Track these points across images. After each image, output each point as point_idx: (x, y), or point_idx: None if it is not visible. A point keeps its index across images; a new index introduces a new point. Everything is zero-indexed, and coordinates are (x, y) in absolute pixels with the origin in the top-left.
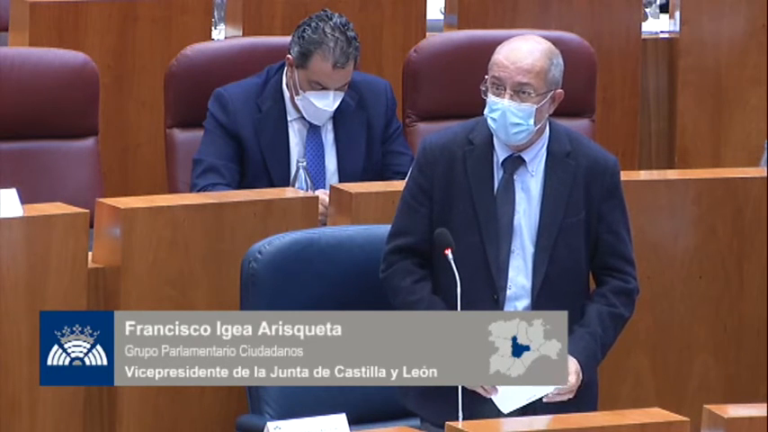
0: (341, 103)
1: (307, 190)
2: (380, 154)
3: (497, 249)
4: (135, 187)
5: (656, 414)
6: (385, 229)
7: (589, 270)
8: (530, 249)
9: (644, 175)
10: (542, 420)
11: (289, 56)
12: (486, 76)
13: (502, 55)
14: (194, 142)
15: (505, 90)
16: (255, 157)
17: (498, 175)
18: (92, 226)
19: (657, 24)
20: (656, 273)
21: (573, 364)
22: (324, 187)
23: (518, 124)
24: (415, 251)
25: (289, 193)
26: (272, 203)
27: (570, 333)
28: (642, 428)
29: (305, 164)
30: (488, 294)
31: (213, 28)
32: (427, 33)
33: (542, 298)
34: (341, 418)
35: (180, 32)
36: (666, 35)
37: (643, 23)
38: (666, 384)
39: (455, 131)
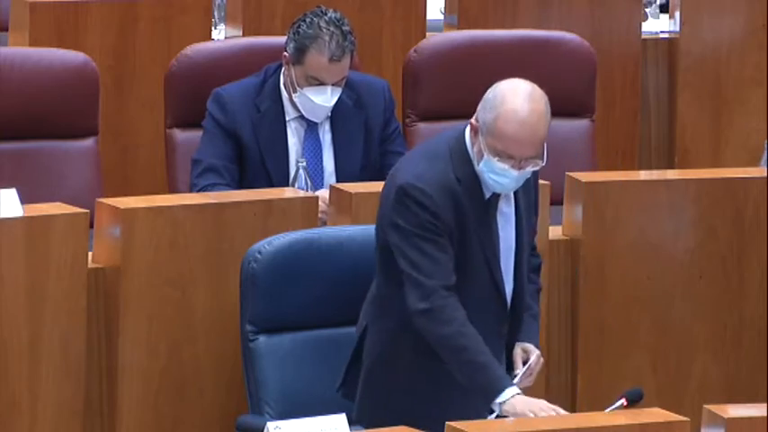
0: (338, 102)
1: (307, 190)
2: (378, 154)
3: (501, 273)
4: (135, 187)
5: (656, 414)
6: None
7: None
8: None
9: (644, 175)
10: (542, 420)
11: (285, 53)
12: (482, 137)
13: (510, 130)
14: (194, 142)
15: (515, 160)
16: (254, 156)
17: (487, 208)
18: (92, 226)
19: (657, 24)
20: (656, 273)
21: (534, 350)
22: (322, 187)
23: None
24: (447, 287)
25: (289, 193)
26: (272, 203)
27: None
28: (642, 428)
29: (305, 164)
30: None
31: (213, 28)
32: (427, 33)
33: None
34: (341, 418)
35: (180, 32)
36: (666, 35)
37: (643, 23)
38: (666, 384)
39: (441, 170)
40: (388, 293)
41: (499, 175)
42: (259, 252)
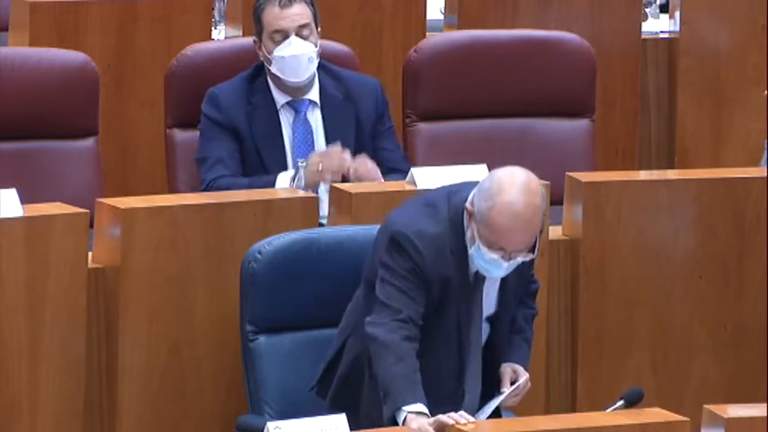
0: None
1: (307, 190)
2: (372, 150)
3: (470, 345)
4: (135, 187)
5: (656, 414)
6: None
7: None
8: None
9: (644, 175)
10: (543, 420)
11: (254, 39)
12: (476, 224)
13: (503, 223)
14: (194, 142)
15: (505, 251)
16: (251, 148)
17: (473, 280)
18: (92, 226)
19: (657, 24)
20: (656, 273)
21: (523, 373)
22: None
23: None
24: (413, 323)
25: (289, 193)
26: (272, 203)
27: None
28: (642, 428)
29: (305, 164)
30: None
31: (213, 28)
32: (427, 33)
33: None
34: (341, 418)
35: (180, 32)
36: (666, 35)
37: (643, 23)
38: (666, 384)
39: (437, 235)
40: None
41: (488, 264)
42: (259, 252)
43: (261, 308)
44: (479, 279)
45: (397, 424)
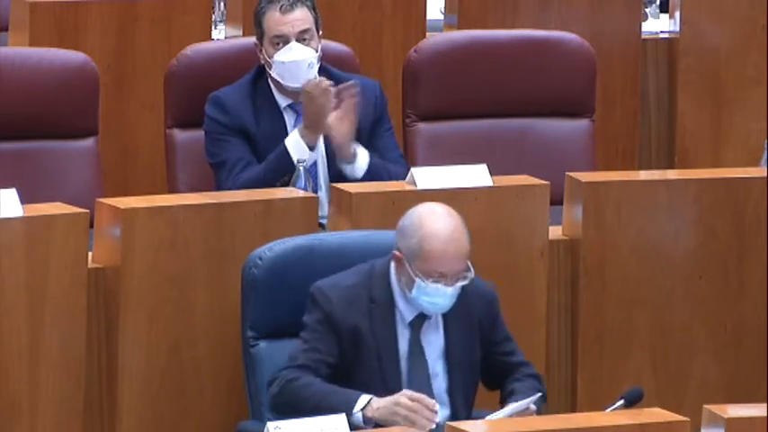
0: None
1: (307, 190)
2: (371, 150)
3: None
4: (135, 187)
5: (656, 414)
6: (386, 234)
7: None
8: (439, 397)
9: (644, 175)
10: (543, 420)
11: (255, 41)
12: (408, 262)
13: (437, 248)
14: (194, 142)
15: (447, 278)
16: (258, 147)
17: (404, 334)
18: (92, 226)
19: (657, 24)
20: (656, 273)
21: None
22: (316, 171)
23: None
24: (319, 371)
25: (289, 193)
26: (272, 203)
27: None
28: (642, 428)
29: (305, 164)
30: None
31: (213, 28)
32: (427, 33)
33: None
34: (341, 418)
35: (180, 32)
36: (666, 35)
37: (643, 23)
38: (666, 384)
39: (353, 285)
40: None
41: (433, 296)
42: (260, 258)
43: (261, 313)
44: (415, 327)
45: (361, 427)
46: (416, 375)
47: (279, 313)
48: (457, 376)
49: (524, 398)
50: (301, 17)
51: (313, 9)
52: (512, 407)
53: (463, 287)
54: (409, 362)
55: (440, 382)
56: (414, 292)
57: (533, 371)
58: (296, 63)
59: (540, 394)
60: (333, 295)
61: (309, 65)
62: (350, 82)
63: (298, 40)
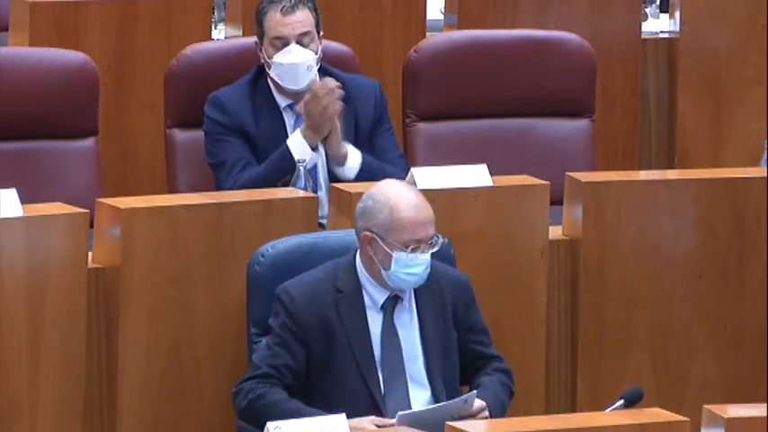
0: None
1: (307, 190)
2: (371, 151)
3: (393, 393)
4: (135, 187)
5: (656, 414)
6: None
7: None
8: (419, 379)
9: (644, 175)
10: (543, 420)
11: (255, 42)
12: (381, 238)
13: (410, 216)
14: (194, 142)
15: (423, 243)
16: (258, 147)
17: (375, 318)
18: (92, 226)
19: (657, 24)
20: (656, 273)
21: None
22: (316, 171)
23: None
24: (283, 378)
25: (289, 193)
26: (272, 203)
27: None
28: (642, 428)
29: (305, 164)
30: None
31: (213, 28)
32: (427, 33)
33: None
34: (341, 418)
35: (180, 32)
36: (666, 35)
37: (643, 23)
38: (666, 384)
39: (316, 279)
40: None
41: (412, 267)
42: (263, 255)
43: (263, 310)
44: (387, 311)
45: None
46: (389, 358)
47: None
48: (434, 358)
49: (488, 393)
50: (302, 19)
51: (314, 10)
52: (444, 404)
53: (434, 271)
54: (382, 345)
55: (419, 364)
56: (393, 266)
57: (504, 365)
58: (295, 65)
59: (475, 391)
60: (296, 293)
61: (308, 67)
62: (334, 83)
63: (297, 43)
